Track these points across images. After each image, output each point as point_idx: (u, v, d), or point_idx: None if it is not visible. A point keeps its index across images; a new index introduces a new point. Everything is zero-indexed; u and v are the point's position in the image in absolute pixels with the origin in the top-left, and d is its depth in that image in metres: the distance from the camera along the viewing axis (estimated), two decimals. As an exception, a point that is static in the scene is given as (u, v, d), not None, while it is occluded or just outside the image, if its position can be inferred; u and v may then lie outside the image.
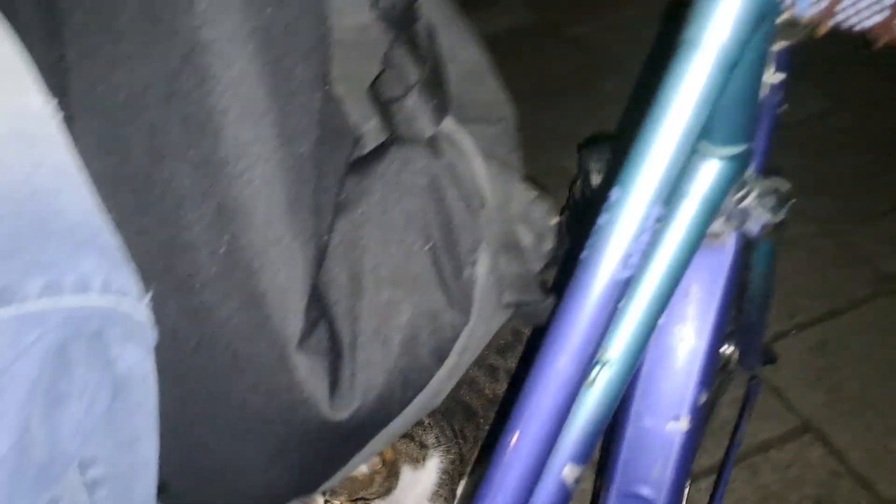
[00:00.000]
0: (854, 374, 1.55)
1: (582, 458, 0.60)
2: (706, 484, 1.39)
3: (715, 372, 0.65)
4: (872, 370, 1.56)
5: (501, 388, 1.09)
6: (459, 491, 1.07)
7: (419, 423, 1.00)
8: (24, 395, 0.42)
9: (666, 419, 0.63)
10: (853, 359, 1.58)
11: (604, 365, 0.58)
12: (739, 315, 0.94)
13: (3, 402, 0.42)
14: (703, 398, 0.64)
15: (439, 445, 1.03)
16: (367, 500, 0.99)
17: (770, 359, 1.25)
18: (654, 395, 0.64)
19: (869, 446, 1.44)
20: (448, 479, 1.03)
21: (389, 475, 1.03)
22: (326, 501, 0.95)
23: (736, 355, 1.03)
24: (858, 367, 1.56)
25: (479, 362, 1.06)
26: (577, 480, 0.60)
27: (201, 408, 0.59)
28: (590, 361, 0.54)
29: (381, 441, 0.66)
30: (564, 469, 0.60)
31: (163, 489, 0.62)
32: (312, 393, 0.58)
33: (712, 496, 1.16)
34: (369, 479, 0.98)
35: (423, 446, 1.01)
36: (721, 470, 1.27)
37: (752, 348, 1.02)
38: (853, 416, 1.49)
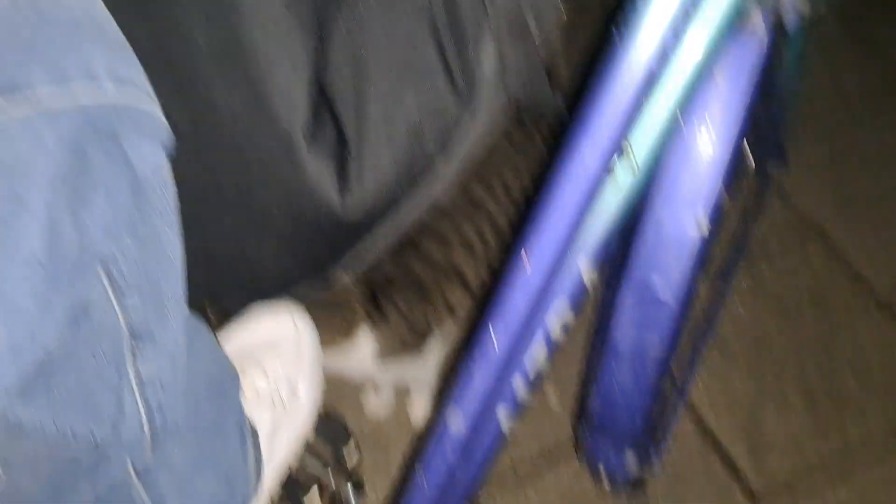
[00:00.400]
0: (862, 175, 1.54)
1: (597, 255, 0.59)
2: (704, 288, 1.42)
3: (737, 169, 0.63)
4: (881, 171, 1.54)
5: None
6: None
7: None
8: (49, 193, 0.42)
9: (687, 218, 0.62)
10: (863, 161, 1.56)
11: (625, 155, 0.56)
12: (762, 115, 0.90)
13: (31, 200, 0.41)
14: (724, 196, 0.62)
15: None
16: None
17: (783, 163, 1.23)
18: (675, 193, 0.62)
19: (868, 243, 1.46)
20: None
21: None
22: None
23: (752, 159, 1.00)
24: (867, 168, 1.55)
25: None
26: (592, 279, 0.60)
27: (214, 204, 0.59)
28: (613, 150, 0.53)
29: (389, 233, 0.66)
30: (582, 266, 0.59)
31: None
32: (322, 186, 0.57)
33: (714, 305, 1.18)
34: None
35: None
36: (726, 275, 1.29)
37: (771, 151, 0.99)
38: (856, 216, 1.49)
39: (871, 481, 1.22)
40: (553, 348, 0.62)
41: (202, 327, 0.61)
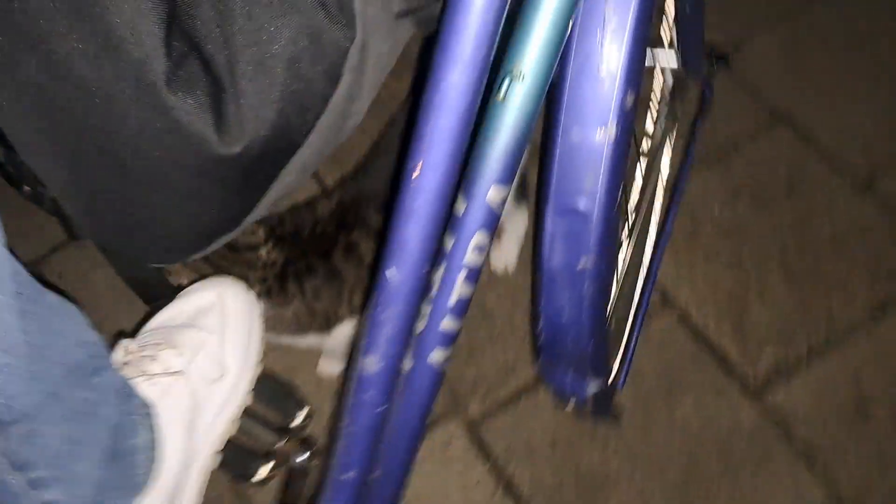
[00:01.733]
0: (824, 56, 1.46)
1: (505, 178, 0.55)
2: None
3: (640, 72, 0.58)
4: (843, 47, 1.46)
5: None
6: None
7: None
8: None
9: (593, 127, 0.58)
10: (823, 40, 1.48)
11: (514, 78, 0.51)
12: (676, 19, 0.84)
13: None
14: (630, 101, 0.58)
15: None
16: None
17: (722, 60, 1.16)
18: (579, 104, 0.58)
19: (837, 123, 1.39)
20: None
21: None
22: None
23: (678, 61, 0.94)
24: (828, 47, 1.47)
25: None
26: (504, 201, 0.56)
27: (101, 164, 0.56)
28: (484, 70, 0.48)
29: (295, 171, 0.62)
30: (489, 192, 0.55)
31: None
32: (196, 130, 0.53)
33: (667, 209, 1.13)
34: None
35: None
36: (675, 181, 1.23)
37: (695, 51, 0.93)
38: (822, 96, 1.42)
39: (861, 355, 1.19)
40: (474, 275, 0.59)
41: (66, 311, 0.57)
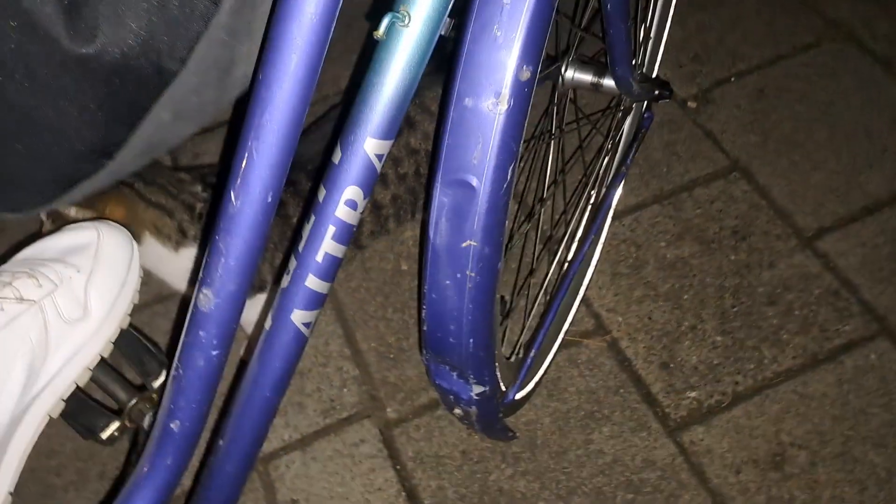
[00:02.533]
0: (788, 117, 1.44)
1: (383, 131, 0.52)
2: (628, 221, 1.34)
3: (541, 45, 0.55)
4: (806, 113, 1.44)
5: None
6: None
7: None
8: None
9: (485, 97, 0.54)
10: (789, 103, 1.46)
11: (396, 18, 0.48)
12: (604, 37, 0.82)
13: None
14: (526, 75, 0.54)
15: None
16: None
17: (664, 93, 1.14)
18: (474, 70, 0.55)
19: (792, 181, 1.36)
20: None
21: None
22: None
23: (608, 80, 0.91)
24: (793, 111, 1.45)
25: None
26: (382, 157, 0.53)
27: None
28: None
29: (169, 110, 0.56)
30: (365, 143, 0.52)
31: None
32: (43, 18, 0.48)
33: (588, 229, 1.10)
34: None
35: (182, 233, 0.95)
36: (601, 198, 1.20)
37: (625, 71, 0.90)
38: (781, 155, 1.40)
39: (784, 405, 1.14)
40: (344, 234, 0.55)
41: None
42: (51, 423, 0.94)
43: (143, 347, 0.70)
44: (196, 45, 0.53)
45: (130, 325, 0.71)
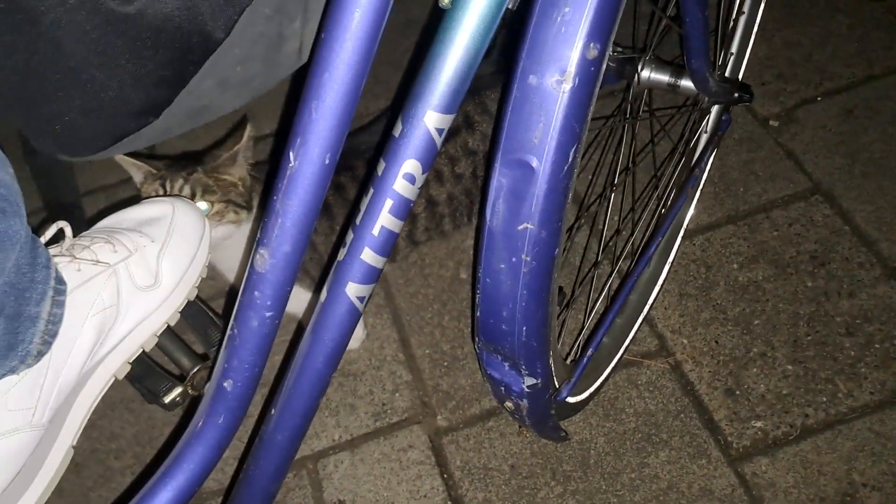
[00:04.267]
0: (877, 140, 1.38)
1: (444, 104, 0.52)
2: (699, 240, 1.30)
3: (609, 25, 0.54)
4: (893, 131, 1.38)
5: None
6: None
7: None
8: None
9: (550, 74, 0.54)
10: (878, 125, 1.40)
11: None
12: (681, 25, 0.80)
13: None
14: (593, 53, 0.54)
15: None
16: (235, 203, 0.96)
17: (745, 96, 1.10)
18: (539, 46, 0.54)
19: (878, 207, 1.30)
20: None
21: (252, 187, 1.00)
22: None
23: (685, 81, 0.89)
24: (884, 133, 1.39)
25: None
26: (441, 131, 0.53)
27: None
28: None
29: (214, 78, 0.57)
30: (426, 116, 0.52)
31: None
32: None
33: (654, 233, 1.06)
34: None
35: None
36: (671, 197, 1.17)
37: (702, 65, 0.88)
38: (868, 178, 1.34)
39: (858, 442, 1.08)
40: (402, 208, 0.55)
41: None
42: (113, 408, 0.96)
43: (209, 319, 0.72)
44: (240, 16, 0.55)
45: (197, 297, 0.73)
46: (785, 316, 1.21)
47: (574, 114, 0.54)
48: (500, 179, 0.58)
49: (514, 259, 0.60)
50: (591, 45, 0.53)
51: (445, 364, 1.23)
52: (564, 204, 0.58)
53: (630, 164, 1.11)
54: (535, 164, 0.56)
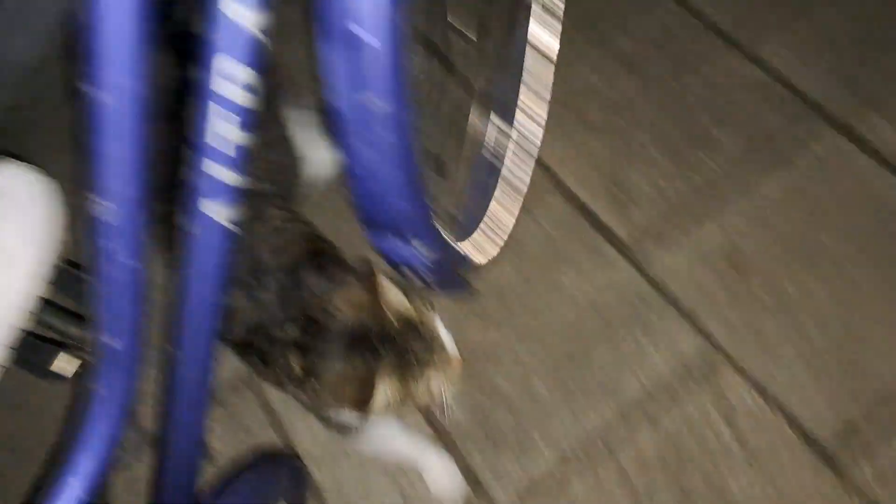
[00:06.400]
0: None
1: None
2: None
3: None
4: None
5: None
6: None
7: None
8: None
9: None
10: None
11: None
12: None
13: None
14: None
15: None
16: None
17: None
18: None
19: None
20: None
21: None
22: None
23: None
24: None
25: None
26: (257, 27, 0.49)
27: None
28: None
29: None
30: (230, 8, 0.48)
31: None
32: None
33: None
34: None
35: None
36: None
37: None
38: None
39: (735, 213, 1.15)
40: (233, 111, 0.52)
41: None
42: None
43: (82, 280, 0.68)
44: None
45: (66, 260, 0.69)
46: (647, 111, 1.24)
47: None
48: (337, 65, 0.54)
49: (379, 140, 0.58)
50: None
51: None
52: (404, 68, 0.56)
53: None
54: (371, 41, 0.53)
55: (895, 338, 1.03)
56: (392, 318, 0.77)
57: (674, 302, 1.10)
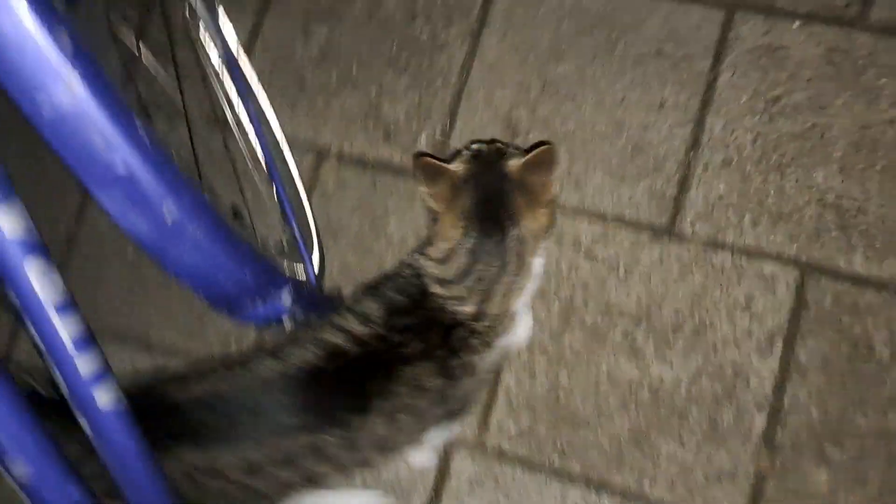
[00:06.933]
0: None
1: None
2: (258, 49, 1.31)
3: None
4: None
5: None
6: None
7: None
8: None
9: None
10: None
11: None
12: None
13: None
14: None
15: None
16: None
17: None
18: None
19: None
20: None
21: None
22: None
23: None
24: None
25: None
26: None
27: None
28: None
29: None
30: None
31: None
32: None
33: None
34: None
35: None
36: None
37: None
38: None
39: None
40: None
41: None
42: None
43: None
44: None
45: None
46: (369, 55, 1.30)
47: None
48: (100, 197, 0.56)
49: (184, 246, 0.60)
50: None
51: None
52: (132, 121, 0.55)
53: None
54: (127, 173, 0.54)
55: (653, 114, 1.19)
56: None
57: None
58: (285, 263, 0.88)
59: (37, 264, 0.50)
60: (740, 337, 1.09)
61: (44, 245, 0.51)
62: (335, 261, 1.21)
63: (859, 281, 1.08)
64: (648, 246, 1.14)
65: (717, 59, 1.18)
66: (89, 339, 0.55)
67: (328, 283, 1.19)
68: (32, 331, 0.52)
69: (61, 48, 0.48)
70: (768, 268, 1.11)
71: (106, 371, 0.56)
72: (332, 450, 0.81)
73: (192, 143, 0.89)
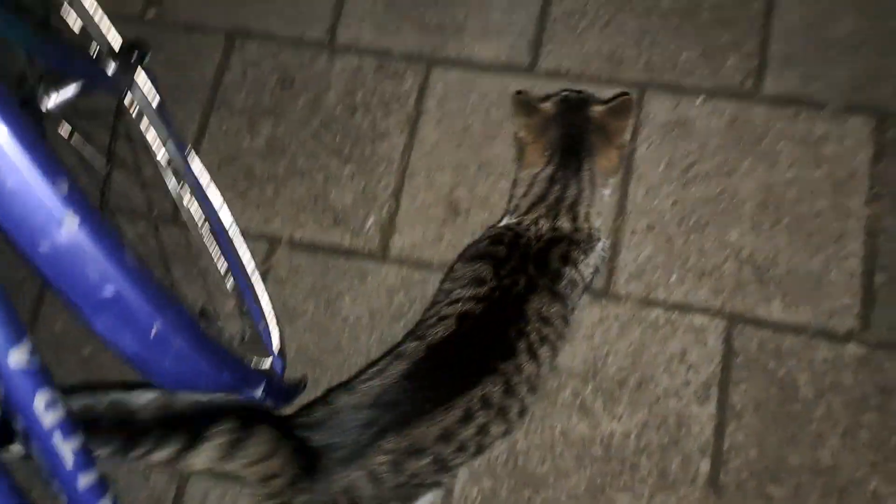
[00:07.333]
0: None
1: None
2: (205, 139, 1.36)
3: None
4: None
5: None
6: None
7: None
8: None
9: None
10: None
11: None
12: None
13: None
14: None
15: None
16: None
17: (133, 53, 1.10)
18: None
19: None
20: None
21: None
22: None
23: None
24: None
25: None
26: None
27: None
28: None
29: None
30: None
31: None
32: None
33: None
34: None
35: None
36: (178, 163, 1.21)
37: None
38: None
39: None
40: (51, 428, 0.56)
41: None
42: None
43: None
44: None
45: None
46: (314, 146, 1.37)
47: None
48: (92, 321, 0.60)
49: (168, 362, 0.65)
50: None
51: None
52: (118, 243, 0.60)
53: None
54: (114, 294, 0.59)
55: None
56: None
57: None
58: (254, 359, 0.92)
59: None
60: (679, 387, 1.18)
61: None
62: (293, 343, 1.25)
63: (780, 327, 1.18)
64: (589, 307, 1.22)
65: (634, 133, 1.30)
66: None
67: (287, 371, 1.22)
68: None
69: (60, 193, 0.53)
70: (698, 320, 1.20)
71: (104, 483, 0.60)
72: (496, 398, 0.91)
73: (159, 246, 0.92)
